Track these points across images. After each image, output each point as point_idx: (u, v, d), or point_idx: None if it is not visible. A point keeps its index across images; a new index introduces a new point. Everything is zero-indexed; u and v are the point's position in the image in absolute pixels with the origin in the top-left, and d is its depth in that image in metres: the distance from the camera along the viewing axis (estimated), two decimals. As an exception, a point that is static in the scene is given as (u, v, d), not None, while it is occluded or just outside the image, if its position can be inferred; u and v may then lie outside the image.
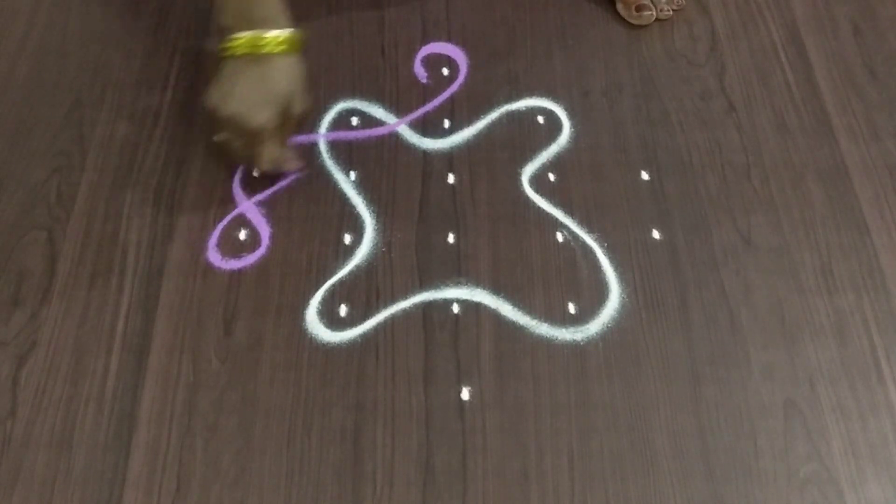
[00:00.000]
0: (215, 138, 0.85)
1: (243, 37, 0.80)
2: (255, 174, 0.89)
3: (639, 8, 1.01)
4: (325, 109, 0.95)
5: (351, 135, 0.94)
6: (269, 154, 0.85)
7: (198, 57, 1.00)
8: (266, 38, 0.80)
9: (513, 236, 0.86)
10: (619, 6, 1.02)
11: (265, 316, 0.81)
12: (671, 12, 1.02)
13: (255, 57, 0.81)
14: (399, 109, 0.96)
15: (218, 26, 0.84)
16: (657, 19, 1.02)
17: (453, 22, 1.03)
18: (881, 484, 0.72)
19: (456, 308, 0.82)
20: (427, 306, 0.82)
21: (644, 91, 0.97)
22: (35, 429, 0.75)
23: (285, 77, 0.82)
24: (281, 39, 0.80)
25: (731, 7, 1.04)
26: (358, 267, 0.84)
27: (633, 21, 1.01)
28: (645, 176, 0.90)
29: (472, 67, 0.99)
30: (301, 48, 0.83)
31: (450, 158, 0.92)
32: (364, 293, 0.83)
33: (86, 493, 0.72)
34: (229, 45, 0.81)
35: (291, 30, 0.81)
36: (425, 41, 1.02)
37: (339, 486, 0.72)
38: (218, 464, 0.73)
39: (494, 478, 0.72)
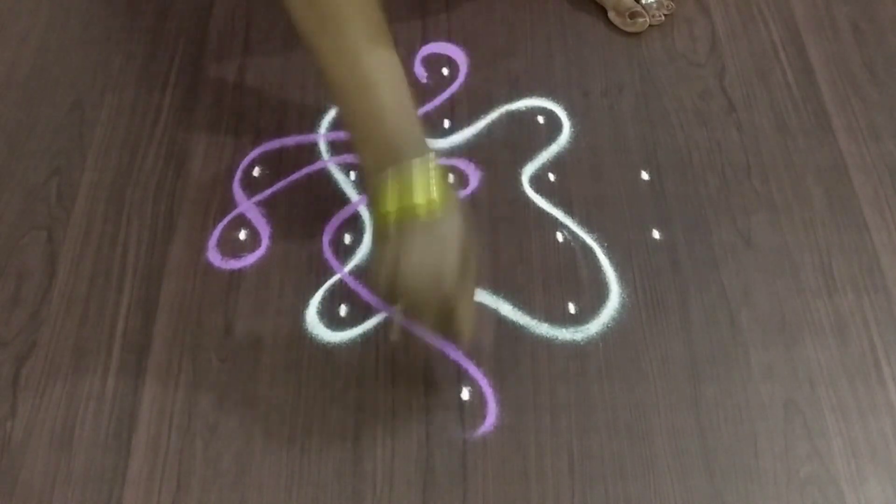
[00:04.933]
0: (396, 317, 0.72)
1: (391, 208, 0.67)
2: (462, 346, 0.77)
3: (632, 15, 1.01)
4: (325, 109, 0.95)
5: (351, 135, 0.94)
6: (469, 314, 0.71)
7: (198, 57, 1.00)
8: (416, 203, 0.67)
9: (513, 236, 0.86)
10: (612, 14, 1.02)
11: (265, 316, 0.81)
12: (663, 17, 1.02)
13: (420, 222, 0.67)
14: (399, 109, 0.95)
15: (361, 170, 0.73)
16: (650, 25, 1.02)
17: (453, 22, 1.03)
18: (881, 484, 0.72)
19: (456, 308, 0.81)
20: (427, 306, 0.82)
21: (644, 91, 0.97)
22: (35, 429, 0.75)
23: (460, 228, 0.68)
24: (433, 198, 0.67)
25: (731, 7, 1.04)
26: (358, 267, 0.84)
27: (626, 29, 1.01)
28: (645, 176, 0.90)
29: (472, 67, 0.99)
30: (454, 194, 0.70)
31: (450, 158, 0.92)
32: (364, 293, 0.82)
33: (86, 493, 0.72)
34: (381, 214, 0.68)
35: (438, 182, 0.68)
36: (425, 41, 1.02)
37: (339, 486, 0.72)
38: (218, 464, 0.73)
39: (494, 478, 0.72)
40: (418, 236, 0.67)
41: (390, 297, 0.70)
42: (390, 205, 0.67)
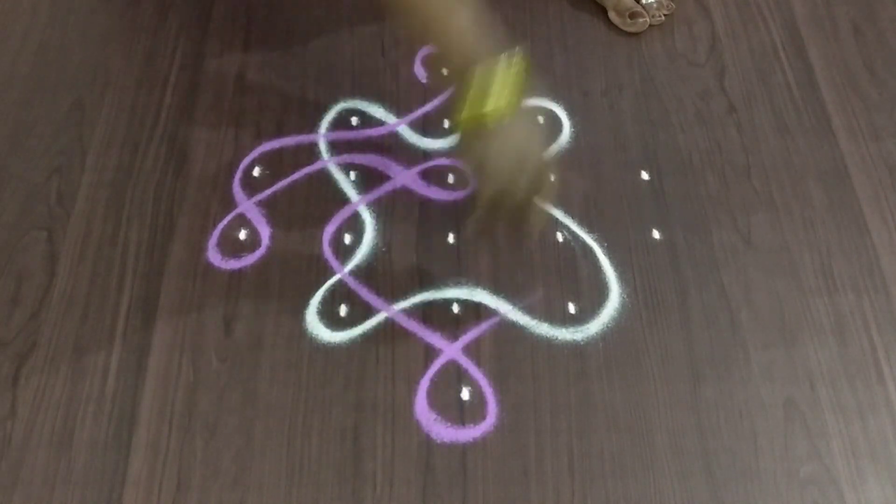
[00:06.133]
0: (477, 214, 0.75)
1: (464, 116, 0.72)
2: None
3: (632, 15, 1.01)
4: (325, 109, 0.95)
5: (351, 135, 0.94)
6: (540, 211, 0.75)
7: (198, 57, 1.00)
8: (486, 112, 0.71)
9: (513, 236, 0.86)
10: (612, 14, 1.02)
11: (265, 316, 0.81)
12: (663, 17, 1.02)
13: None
14: (399, 109, 0.96)
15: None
16: (650, 25, 1.02)
17: (453, 22, 1.03)
18: (881, 484, 0.72)
19: (456, 308, 0.82)
20: (427, 306, 0.82)
21: (644, 91, 0.97)
22: (35, 429, 0.75)
23: (535, 130, 0.76)
24: (502, 106, 0.71)
25: (731, 7, 1.04)
26: (358, 267, 0.84)
27: (627, 29, 1.01)
28: (645, 176, 0.90)
29: (472, 67, 0.99)
30: (523, 95, 0.73)
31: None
32: (364, 293, 0.83)
33: (86, 493, 0.72)
34: (461, 121, 0.73)
35: (508, 92, 0.72)
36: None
37: (339, 486, 0.72)
38: (218, 464, 0.73)
39: (494, 478, 0.72)
40: (499, 135, 0.72)
41: (483, 177, 0.74)
42: (466, 112, 0.72)
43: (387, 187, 0.90)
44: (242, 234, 0.87)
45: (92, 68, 1.00)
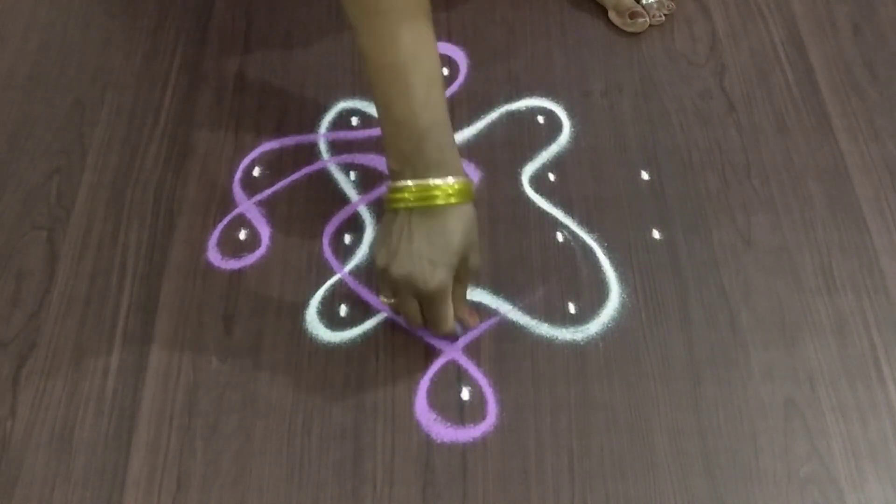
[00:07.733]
0: (382, 299, 0.78)
1: (411, 188, 0.71)
2: (439, 337, 0.79)
3: (632, 15, 1.01)
4: (325, 109, 0.95)
5: (351, 135, 0.94)
6: (450, 313, 0.74)
7: (198, 57, 1.00)
8: (437, 188, 0.71)
9: (513, 236, 0.86)
10: (612, 14, 1.02)
11: (265, 316, 0.81)
12: (663, 17, 1.02)
13: (426, 209, 0.71)
14: (399, 109, 0.95)
15: (388, 168, 0.74)
16: (650, 25, 1.02)
17: (453, 22, 1.03)
18: (881, 484, 0.72)
19: (456, 308, 0.82)
20: (427, 306, 0.82)
21: (644, 91, 0.97)
22: (35, 429, 0.75)
23: (461, 230, 0.71)
24: (452, 190, 0.71)
25: (731, 7, 1.04)
26: (358, 267, 0.84)
27: (627, 29, 1.01)
28: (645, 176, 0.90)
29: (472, 67, 0.99)
30: (473, 196, 0.73)
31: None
32: (364, 293, 0.82)
33: (86, 493, 0.72)
34: (396, 196, 0.72)
35: (462, 178, 0.72)
36: (425, 41, 1.01)
37: (339, 486, 0.72)
38: (218, 464, 0.73)
39: (494, 478, 0.72)
40: (421, 225, 0.71)
41: (383, 279, 0.75)
42: (406, 194, 0.72)
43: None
44: (242, 234, 0.87)
45: (92, 68, 1.00)
